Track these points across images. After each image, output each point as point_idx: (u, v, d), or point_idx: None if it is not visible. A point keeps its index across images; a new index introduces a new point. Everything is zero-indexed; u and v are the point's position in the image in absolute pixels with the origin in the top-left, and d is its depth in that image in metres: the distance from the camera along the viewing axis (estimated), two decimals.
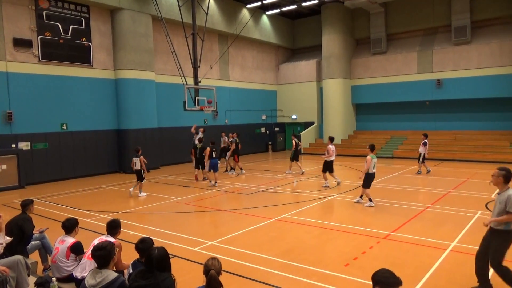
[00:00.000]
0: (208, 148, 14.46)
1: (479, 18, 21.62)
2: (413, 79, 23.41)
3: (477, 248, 5.33)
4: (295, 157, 16.60)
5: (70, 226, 5.28)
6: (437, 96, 22.60)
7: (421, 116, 24.07)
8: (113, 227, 5.06)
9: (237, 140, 17.50)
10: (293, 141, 16.79)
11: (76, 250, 5.07)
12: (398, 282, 2.90)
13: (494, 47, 20.84)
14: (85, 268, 4.69)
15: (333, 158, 13.44)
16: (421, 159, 15.70)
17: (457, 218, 9.02)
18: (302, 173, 16.56)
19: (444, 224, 8.50)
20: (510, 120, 20.61)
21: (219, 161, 15.14)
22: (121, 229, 5.23)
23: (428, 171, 15.85)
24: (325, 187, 13.33)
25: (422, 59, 23.11)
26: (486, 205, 10.11)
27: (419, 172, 15.90)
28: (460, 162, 19.14)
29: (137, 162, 12.65)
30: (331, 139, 13.81)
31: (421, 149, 15.70)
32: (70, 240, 5.15)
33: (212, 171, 14.48)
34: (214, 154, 14.48)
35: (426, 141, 15.82)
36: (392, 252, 6.89)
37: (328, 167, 13.52)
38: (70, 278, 4.96)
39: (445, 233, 7.82)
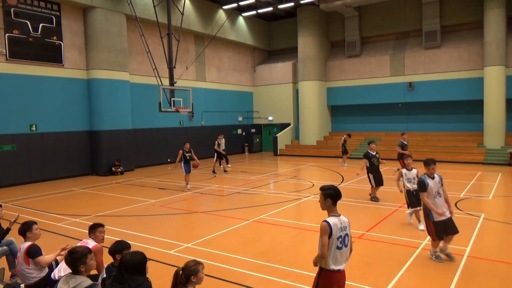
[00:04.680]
0: (181, 151, 13.84)
1: (448, 23, 22.39)
2: (386, 82, 23.96)
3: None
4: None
5: (22, 230, 5.05)
6: (409, 98, 23.23)
7: (394, 118, 24.68)
8: (95, 230, 4.91)
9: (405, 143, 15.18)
10: None
11: (30, 253, 4.86)
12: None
13: (462, 52, 21.63)
14: (61, 269, 4.54)
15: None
16: None
17: None
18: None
19: (415, 223, 8.72)
20: (477, 122, 21.41)
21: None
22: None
23: None
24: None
25: (395, 62, 23.70)
26: (455, 204, 10.45)
27: None
28: None
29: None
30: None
31: None
32: (26, 245, 4.96)
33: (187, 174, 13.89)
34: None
35: None
36: (367, 251, 7.01)
37: None
38: (37, 285, 4.80)
39: (416, 232, 8.02)
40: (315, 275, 3.99)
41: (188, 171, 13.79)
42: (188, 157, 13.77)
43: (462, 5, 21.88)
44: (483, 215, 9.21)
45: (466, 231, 8.02)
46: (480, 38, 21.02)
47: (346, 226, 3.87)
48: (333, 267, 3.77)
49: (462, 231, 8.08)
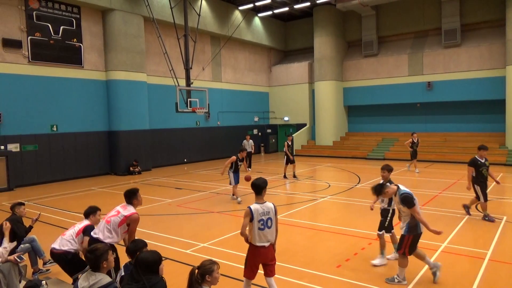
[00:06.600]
0: (234, 158, 11.73)
1: (468, 21, 21.89)
2: (404, 82, 23.59)
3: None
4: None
5: (87, 213, 5.54)
6: (428, 98, 22.81)
7: (412, 118, 24.28)
8: (131, 196, 5.18)
9: None
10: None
11: (87, 230, 5.24)
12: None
13: (483, 50, 21.12)
14: (99, 228, 5.10)
15: None
16: None
17: (448, 219, 9.10)
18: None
19: (434, 225, 8.48)
20: (499, 122, 20.87)
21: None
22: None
23: None
24: None
25: (413, 61, 23.32)
26: (476, 206, 10.21)
27: None
28: (450, 164, 19.31)
29: None
30: None
31: None
32: (87, 222, 5.41)
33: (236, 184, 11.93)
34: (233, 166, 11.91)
35: None
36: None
37: None
38: (62, 256, 5.10)
39: (434, 234, 7.86)
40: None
41: (237, 181, 11.83)
42: (239, 166, 11.99)
43: (483, 2, 21.37)
44: (505, 218, 8.98)
45: (488, 234, 7.84)
46: (502, 36, 20.48)
47: (269, 211, 4.64)
48: (258, 243, 4.63)
49: (483, 234, 7.93)
